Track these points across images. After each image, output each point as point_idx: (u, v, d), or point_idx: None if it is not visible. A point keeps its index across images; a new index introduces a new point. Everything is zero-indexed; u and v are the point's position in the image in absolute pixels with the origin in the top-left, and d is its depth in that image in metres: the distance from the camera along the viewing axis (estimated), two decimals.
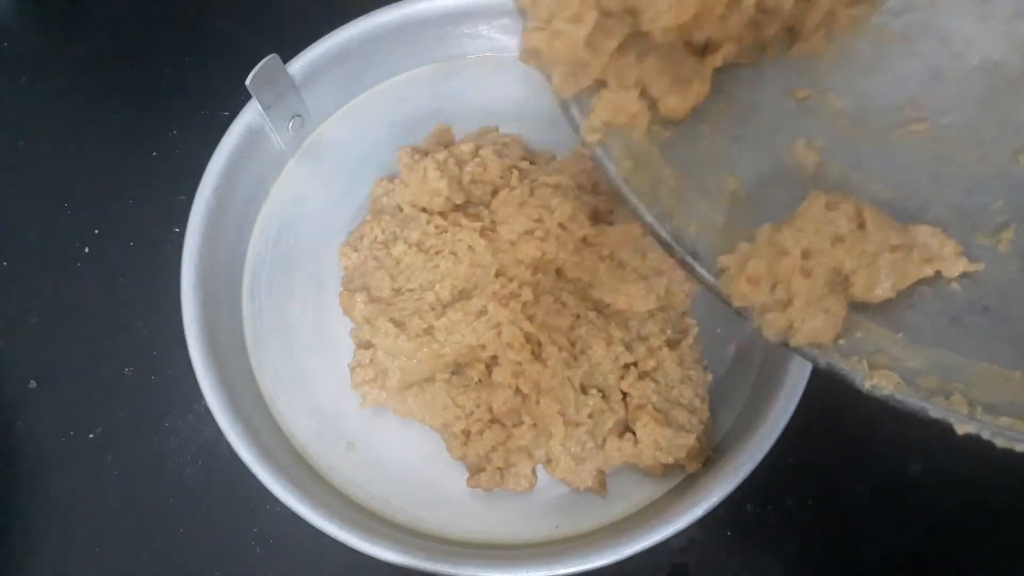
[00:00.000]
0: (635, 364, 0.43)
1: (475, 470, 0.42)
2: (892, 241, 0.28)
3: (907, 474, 0.46)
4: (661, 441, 0.41)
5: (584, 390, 0.42)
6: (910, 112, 0.31)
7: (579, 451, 0.42)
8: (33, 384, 0.48)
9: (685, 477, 0.43)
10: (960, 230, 0.29)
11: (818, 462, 0.46)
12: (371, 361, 0.44)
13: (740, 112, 0.32)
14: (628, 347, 0.43)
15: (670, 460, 0.42)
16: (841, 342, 0.28)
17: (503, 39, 0.52)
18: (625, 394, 0.43)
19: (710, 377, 0.45)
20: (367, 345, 0.44)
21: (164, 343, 0.48)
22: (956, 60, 0.31)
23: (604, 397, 0.43)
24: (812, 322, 0.27)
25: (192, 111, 0.54)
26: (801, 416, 0.40)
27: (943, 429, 0.27)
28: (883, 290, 0.28)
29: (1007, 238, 0.29)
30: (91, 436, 0.47)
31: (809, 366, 0.41)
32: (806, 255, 0.28)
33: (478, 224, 0.44)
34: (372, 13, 0.49)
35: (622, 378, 0.43)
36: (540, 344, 0.42)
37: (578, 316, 0.44)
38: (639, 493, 0.43)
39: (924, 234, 0.28)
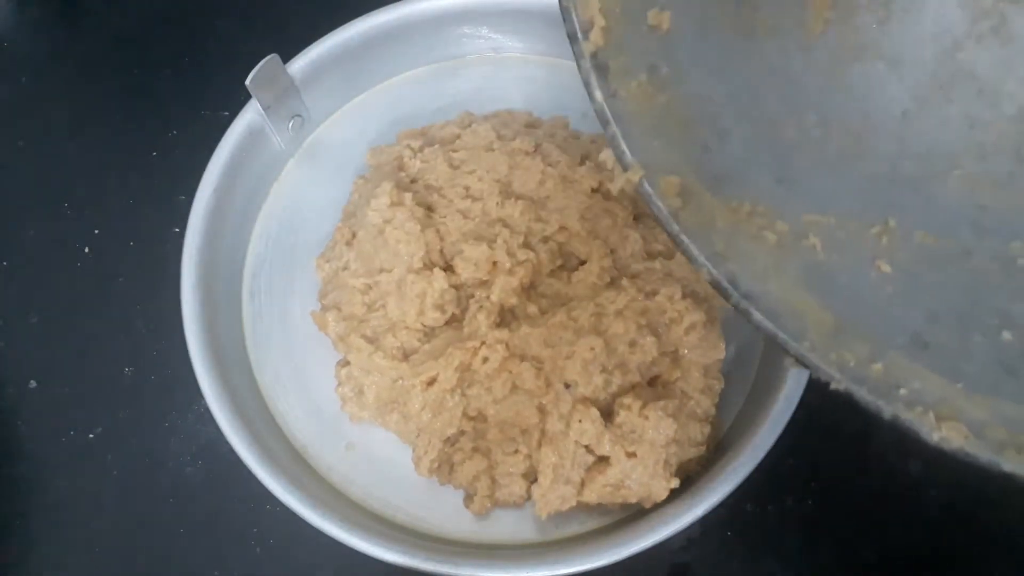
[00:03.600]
0: (657, 377, 0.42)
1: (467, 496, 0.42)
2: None
3: (907, 474, 0.46)
4: (670, 458, 0.40)
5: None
6: (948, 162, 0.32)
7: (559, 504, 0.40)
8: (33, 384, 0.48)
9: (685, 478, 0.43)
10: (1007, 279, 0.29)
11: (818, 462, 0.46)
12: (347, 378, 0.43)
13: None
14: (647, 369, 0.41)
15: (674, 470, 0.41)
16: (903, 391, 0.27)
17: (503, 39, 0.52)
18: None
19: (722, 384, 0.44)
20: (345, 363, 0.44)
21: (164, 343, 0.48)
22: (992, 110, 0.31)
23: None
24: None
25: (192, 111, 0.54)
26: (801, 416, 0.40)
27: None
28: None
29: None
30: (91, 436, 0.47)
31: None
32: None
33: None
34: (372, 13, 0.49)
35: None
36: (548, 384, 0.40)
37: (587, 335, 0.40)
38: None
39: None
